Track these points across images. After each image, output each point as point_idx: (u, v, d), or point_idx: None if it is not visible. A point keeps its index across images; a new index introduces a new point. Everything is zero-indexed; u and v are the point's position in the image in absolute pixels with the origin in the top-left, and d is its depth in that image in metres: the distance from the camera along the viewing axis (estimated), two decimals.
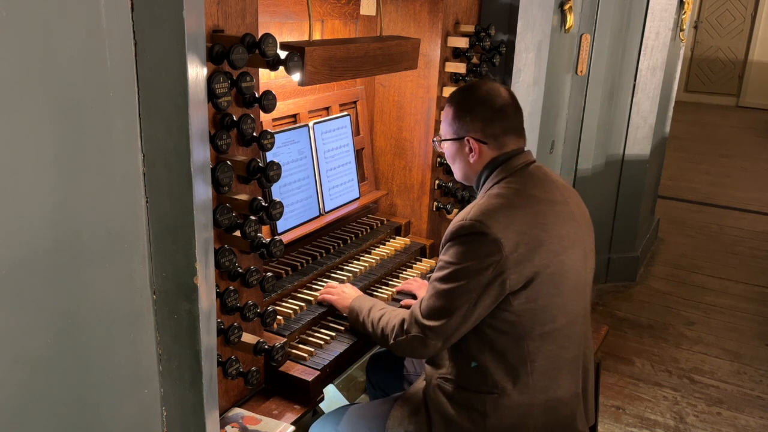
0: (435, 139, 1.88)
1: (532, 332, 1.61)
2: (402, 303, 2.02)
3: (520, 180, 1.67)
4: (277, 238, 1.50)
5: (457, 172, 1.82)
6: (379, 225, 2.40)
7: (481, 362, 1.64)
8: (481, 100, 1.71)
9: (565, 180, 1.79)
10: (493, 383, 1.63)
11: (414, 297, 2.05)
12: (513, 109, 1.73)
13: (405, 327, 1.66)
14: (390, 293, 2.08)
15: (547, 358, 1.63)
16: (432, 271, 2.29)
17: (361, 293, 1.91)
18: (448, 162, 1.84)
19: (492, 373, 1.63)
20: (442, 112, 1.80)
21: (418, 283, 2.10)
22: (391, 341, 1.69)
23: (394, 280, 2.20)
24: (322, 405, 2.00)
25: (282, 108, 1.99)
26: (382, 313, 1.75)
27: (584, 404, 1.75)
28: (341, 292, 1.90)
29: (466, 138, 1.72)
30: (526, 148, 1.75)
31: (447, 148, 1.80)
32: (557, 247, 1.61)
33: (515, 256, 1.55)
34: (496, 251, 1.54)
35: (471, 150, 1.72)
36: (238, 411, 1.59)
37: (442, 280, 1.61)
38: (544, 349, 1.62)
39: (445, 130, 1.79)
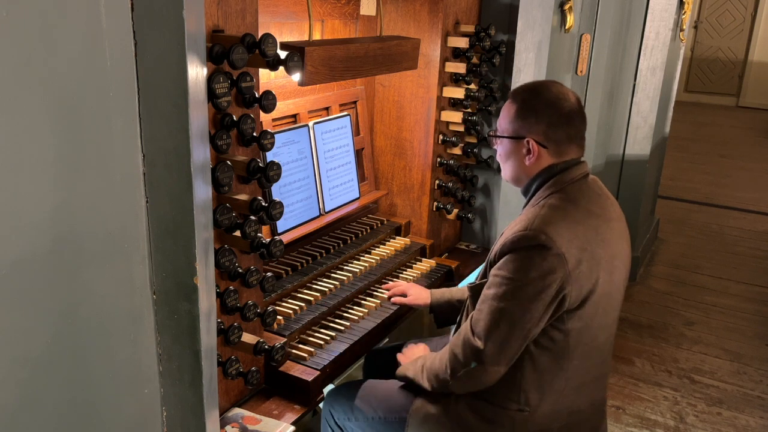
0: (490, 134, 1.74)
1: (575, 351, 1.56)
2: (393, 300, 2.01)
3: (578, 193, 1.59)
4: (277, 238, 1.50)
5: (507, 172, 1.71)
6: (379, 225, 2.40)
7: (516, 379, 1.58)
8: (549, 102, 1.61)
9: None
10: (525, 400, 1.59)
11: (404, 296, 2.02)
12: (579, 117, 1.63)
13: (461, 359, 1.57)
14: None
15: (580, 376, 1.60)
16: (434, 270, 2.30)
17: (422, 353, 1.83)
18: (498, 159, 1.74)
19: (525, 390, 1.58)
20: (502, 107, 1.67)
21: (407, 284, 2.06)
22: (451, 381, 1.60)
23: (394, 280, 2.19)
24: (322, 405, 2.00)
25: (282, 108, 1.99)
26: (425, 361, 1.70)
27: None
28: (411, 354, 1.85)
29: (526, 139, 1.62)
30: (583, 159, 1.67)
31: (502, 146, 1.69)
32: (610, 266, 1.56)
33: (577, 273, 1.48)
34: (559, 266, 1.46)
35: (529, 152, 1.62)
36: (238, 411, 1.58)
37: (500, 298, 1.51)
38: (580, 367, 1.59)
39: (504, 127, 1.67)
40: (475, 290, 1.63)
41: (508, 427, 1.60)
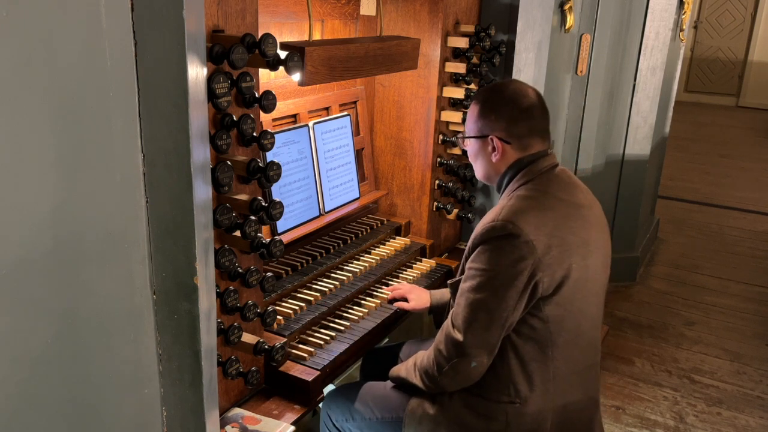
0: (458, 136, 1.85)
1: (557, 339, 1.58)
2: (396, 305, 2.01)
3: (547, 183, 1.64)
4: (277, 238, 1.50)
5: (478, 171, 1.78)
6: (379, 225, 2.40)
7: (503, 371, 1.61)
8: (507, 99, 1.67)
9: None
10: (516, 392, 1.60)
11: (406, 301, 2.02)
12: (540, 111, 1.69)
13: (444, 353, 1.59)
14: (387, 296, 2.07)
15: (569, 365, 1.62)
16: (434, 270, 2.30)
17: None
18: (470, 160, 1.81)
19: (515, 382, 1.60)
20: (467, 110, 1.77)
21: (409, 287, 2.06)
22: (439, 378, 1.62)
23: (395, 280, 2.20)
24: (321, 405, 2.00)
25: (282, 108, 1.99)
26: (416, 359, 1.72)
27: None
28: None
29: (490, 137, 1.68)
30: (550, 151, 1.71)
31: (470, 146, 1.76)
32: (584, 251, 1.59)
33: (547, 259, 1.52)
34: (529, 253, 1.50)
35: (494, 149, 1.69)
36: (238, 411, 1.59)
37: (475, 289, 1.55)
38: (567, 356, 1.61)
39: (469, 127, 1.75)
40: (454, 286, 1.67)
41: (503, 421, 1.62)
